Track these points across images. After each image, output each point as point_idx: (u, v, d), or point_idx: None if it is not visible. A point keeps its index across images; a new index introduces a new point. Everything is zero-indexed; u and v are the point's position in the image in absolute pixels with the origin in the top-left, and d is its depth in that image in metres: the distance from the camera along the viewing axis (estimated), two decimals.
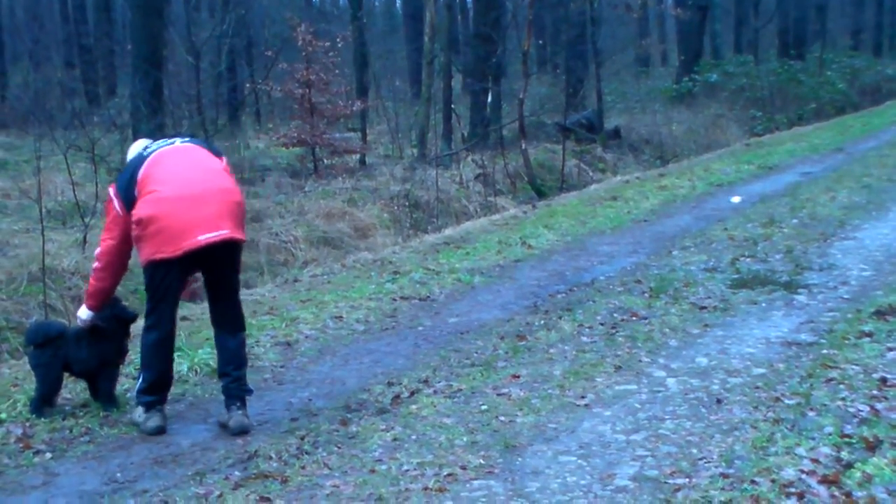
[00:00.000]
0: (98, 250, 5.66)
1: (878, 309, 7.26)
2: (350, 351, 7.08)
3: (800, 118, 27.34)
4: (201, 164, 5.60)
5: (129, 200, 5.42)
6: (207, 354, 6.59)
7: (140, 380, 5.63)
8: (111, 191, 5.60)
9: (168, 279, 5.40)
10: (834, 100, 29.98)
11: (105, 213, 5.71)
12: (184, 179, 5.41)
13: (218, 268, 5.57)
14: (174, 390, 6.16)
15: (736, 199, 13.26)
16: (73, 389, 6.21)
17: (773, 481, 4.46)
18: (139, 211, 5.32)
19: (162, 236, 5.25)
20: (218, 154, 5.78)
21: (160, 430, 5.49)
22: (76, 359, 5.86)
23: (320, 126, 19.18)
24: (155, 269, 5.37)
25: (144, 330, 5.56)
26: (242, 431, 5.45)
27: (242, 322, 5.77)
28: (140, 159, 5.55)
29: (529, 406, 5.68)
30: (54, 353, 5.82)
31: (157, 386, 5.57)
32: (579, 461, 4.87)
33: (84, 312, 5.83)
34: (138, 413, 5.60)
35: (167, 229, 5.25)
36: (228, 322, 5.67)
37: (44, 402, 5.82)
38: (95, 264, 5.67)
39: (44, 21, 38.21)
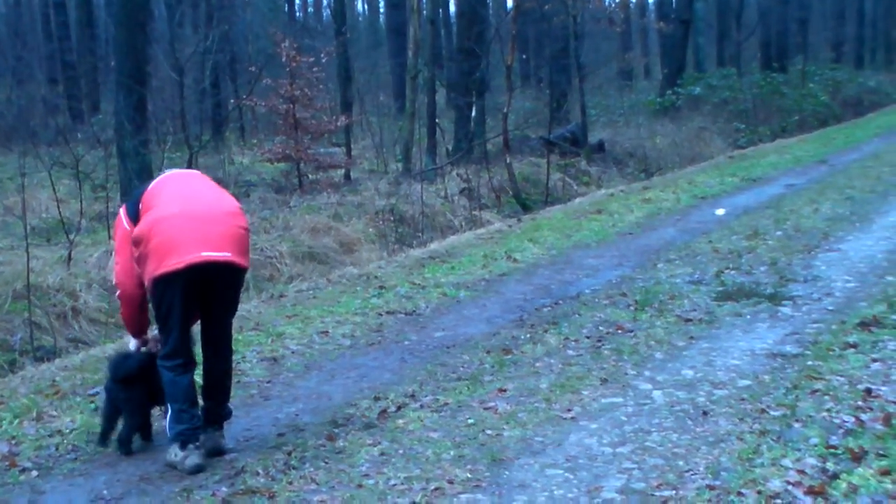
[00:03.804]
0: (114, 277, 5.50)
1: (863, 320, 7.29)
2: (336, 366, 7.07)
3: (783, 130, 27.46)
4: (208, 187, 5.48)
5: (135, 217, 5.29)
6: None
7: (168, 411, 5.29)
8: (121, 210, 5.47)
9: (174, 297, 5.09)
10: (817, 112, 30.13)
11: (114, 236, 5.53)
12: (189, 199, 5.25)
13: (218, 292, 5.31)
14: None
15: (720, 212, 13.31)
16: (58, 407, 6.19)
17: (759, 493, 4.48)
18: (139, 228, 5.16)
19: (164, 249, 5.03)
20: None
21: (199, 469, 5.14)
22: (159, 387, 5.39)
23: (305, 141, 19.14)
24: (160, 287, 5.09)
25: (161, 358, 5.27)
26: (217, 452, 5.34)
27: (230, 347, 5.59)
28: (150, 182, 5.50)
29: (516, 420, 5.68)
30: (142, 387, 5.47)
31: (187, 422, 5.21)
32: (566, 474, 4.88)
33: (131, 342, 5.66)
34: (174, 452, 5.21)
35: (169, 242, 5.03)
36: (219, 346, 5.46)
37: (132, 433, 5.51)
38: (117, 292, 5.51)
39: (26, 38, 38.17)
